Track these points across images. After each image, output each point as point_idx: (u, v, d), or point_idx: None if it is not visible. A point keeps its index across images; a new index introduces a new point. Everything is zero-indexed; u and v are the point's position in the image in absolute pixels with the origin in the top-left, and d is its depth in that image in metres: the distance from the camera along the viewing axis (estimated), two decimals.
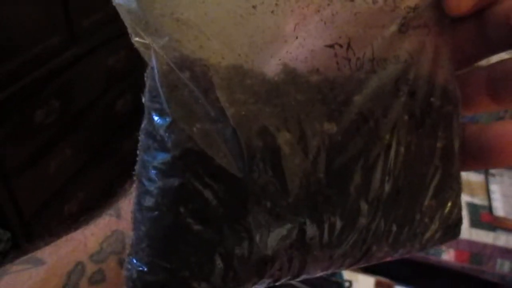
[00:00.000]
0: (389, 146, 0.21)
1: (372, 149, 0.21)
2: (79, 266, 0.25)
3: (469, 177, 1.68)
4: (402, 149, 0.21)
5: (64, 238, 0.27)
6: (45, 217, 1.09)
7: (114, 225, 0.26)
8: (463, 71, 0.24)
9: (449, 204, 0.23)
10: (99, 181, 1.27)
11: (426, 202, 0.22)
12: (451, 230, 0.24)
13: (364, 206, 0.21)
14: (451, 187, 0.23)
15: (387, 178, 0.21)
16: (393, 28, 0.21)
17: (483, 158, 0.22)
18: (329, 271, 0.22)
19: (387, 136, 0.21)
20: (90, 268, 0.25)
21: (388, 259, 0.23)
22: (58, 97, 1.05)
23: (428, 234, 0.23)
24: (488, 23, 0.21)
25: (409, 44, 0.21)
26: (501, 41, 0.22)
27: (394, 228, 0.22)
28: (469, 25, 0.22)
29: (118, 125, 1.32)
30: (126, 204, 0.26)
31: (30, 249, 0.27)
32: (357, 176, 0.20)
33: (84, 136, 1.21)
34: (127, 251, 0.20)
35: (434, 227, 0.23)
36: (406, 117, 0.22)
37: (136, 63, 1.27)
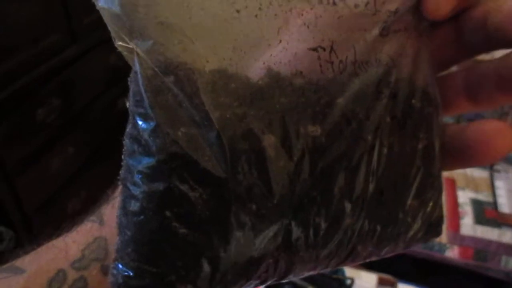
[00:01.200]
0: (372, 147, 0.21)
1: (356, 151, 0.21)
2: (60, 274, 0.25)
3: (473, 173, 1.67)
4: (385, 150, 0.22)
5: (44, 246, 0.26)
6: (48, 216, 1.10)
7: (97, 231, 0.25)
8: (442, 74, 0.24)
9: (431, 203, 0.23)
10: (102, 179, 1.28)
11: (409, 202, 0.23)
12: (433, 229, 0.24)
13: (348, 207, 0.21)
14: (432, 187, 0.23)
15: (370, 178, 0.21)
16: (375, 31, 0.21)
17: (463, 157, 0.23)
18: (316, 272, 0.22)
19: (370, 138, 0.21)
20: (72, 275, 0.25)
21: (373, 258, 0.23)
22: (59, 96, 1.06)
23: (411, 233, 0.23)
24: (465, 27, 0.22)
25: (390, 47, 0.22)
26: (478, 45, 0.22)
27: (378, 228, 0.22)
28: (447, 29, 0.23)
29: (120, 123, 1.32)
30: (109, 210, 0.26)
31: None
32: (341, 177, 0.21)
33: (86, 134, 1.21)
34: (110, 258, 0.19)
35: (416, 226, 0.23)
36: (388, 119, 0.22)
37: None
